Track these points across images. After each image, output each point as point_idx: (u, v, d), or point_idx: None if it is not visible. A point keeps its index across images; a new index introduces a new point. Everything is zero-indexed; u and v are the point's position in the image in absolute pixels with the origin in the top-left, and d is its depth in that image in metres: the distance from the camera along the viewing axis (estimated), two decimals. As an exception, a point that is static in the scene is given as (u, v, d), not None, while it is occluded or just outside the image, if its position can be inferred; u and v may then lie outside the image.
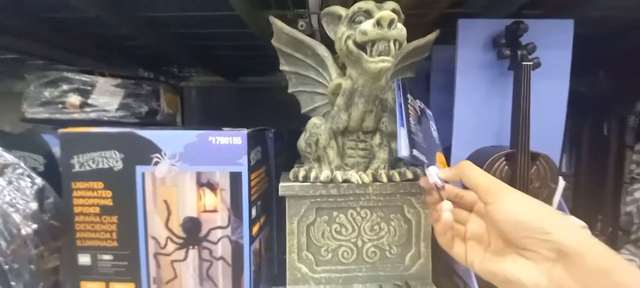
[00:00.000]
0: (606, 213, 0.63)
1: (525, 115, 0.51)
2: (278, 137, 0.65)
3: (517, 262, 0.30)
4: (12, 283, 0.42)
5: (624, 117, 0.70)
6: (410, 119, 0.42)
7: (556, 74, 0.56)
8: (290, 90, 0.55)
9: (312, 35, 0.66)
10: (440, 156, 0.46)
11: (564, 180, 0.56)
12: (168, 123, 0.76)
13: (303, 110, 0.55)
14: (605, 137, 0.66)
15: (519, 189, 0.50)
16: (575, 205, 0.73)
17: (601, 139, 0.66)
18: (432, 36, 0.53)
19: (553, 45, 0.56)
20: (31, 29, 0.60)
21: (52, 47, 0.73)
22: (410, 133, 0.41)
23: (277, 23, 0.50)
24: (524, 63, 0.51)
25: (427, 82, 0.70)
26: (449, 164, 0.60)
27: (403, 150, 0.40)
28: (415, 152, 0.40)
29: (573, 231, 0.28)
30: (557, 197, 0.55)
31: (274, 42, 0.52)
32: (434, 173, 0.40)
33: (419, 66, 0.57)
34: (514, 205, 0.31)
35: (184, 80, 1.30)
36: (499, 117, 0.57)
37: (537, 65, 0.52)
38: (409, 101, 0.44)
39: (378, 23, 0.40)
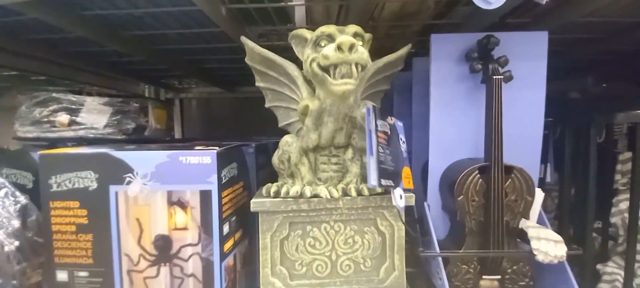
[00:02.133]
0: (590, 225, 0.62)
1: (497, 129, 0.51)
2: (260, 151, 0.66)
3: None
4: (-8, 299, 0.44)
5: (612, 123, 0.68)
6: (379, 147, 0.43)
7: (532, 84, 0.56)
8: (267, 105, 0.57)
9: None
10: (405, 171, 0.47)
11: (544, 191, 0.56)
12: (157, 138, 0.78)
13: (280, 125, 0.56)
14: (592, 145, 0.65)
15: (493, 202, 0.51)
16: (561, 215, 0.71)
17: (588, 147, 0.65)
18: (403, 51, 0.54)
19: (528, 56, 0.55)
20: (29, 49, 0.64)
21: (52, 64, 0.76)
22: (379, 163, 0.42)
23: (249, 44, 0.52)
24: (494, 77, 0.51)
25: (410, 93, 0.70)
26: (427, 176, 0.60)
27: (372, 180, 0.42)
28: (383, 181, 0.42)
29: None
30: (537, 209, 0.55)
31: (247, 60, 0.54)
32: (397, 196, 0.41)
33: (403, 77, 0.57)
34: None
35: (183, 92, 1.33)
36: (475, 129, 0.57)
37: (509, 78, 0.52)
38: (378, 127, 0.45)
39: (339, 48, 0.41)
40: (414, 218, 0.63)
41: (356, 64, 0.42)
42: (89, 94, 0.66)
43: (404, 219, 0.46)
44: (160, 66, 0.88)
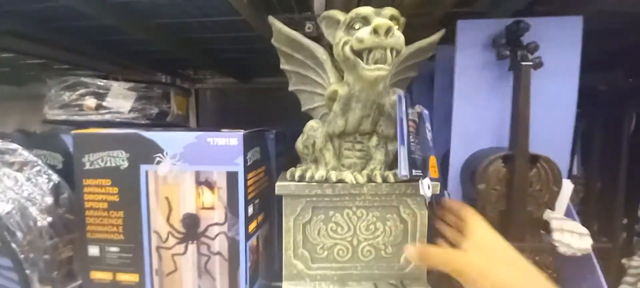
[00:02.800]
0: (617, 218, 0.61)
1: (523, 117, 0.50)
2: (280, 138, 0.67)
3: None
4: (27, 271, 0.46)
5: (641, 115, 0.67)
6: (410, 136, 0.43)
7: (564, 72, 0.54)
8: (290, 89, 0.56)
9: (319, 36, 0.67)
10: (432, 160, 0.46)
11: (574, 183, 0.55)
12: (178, 124, 0.79)
13: (303, 109, 0.56)
14: (622, 137, 0.64)
15: (516, 192, 0.51)
16: (587, 209, 0.70)
17: (617, 139, 0.63)
18: (435, 36, 0.52)
19: (560, 43, 0.54)
20: (53, 37, 0.65)
21: (73, 52, 0.78)
22: (410, 153, 0.42)
23: (276, 24, 0.52)
24: (523, 63, 0.50)
25: (431, 82, 0.69)
26: (448, 168, 0.60)
27: (403, 170, 0.41)
28: (414, 172, 0.42)
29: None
30: (565, 200, 0.54)
31: (274, 42, 0.53)
32: (426, 187, 0.41)
33: (423, 65, 0.57)
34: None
35: (199, 83, 1.35)
36: (500, 119, 0.56)
37: (539, 64, 0.51)
38: (409, 115, 0.44)
39: (375, 31, 0.40)
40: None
41: (391, 49, 0.41)
42: (115, 79, 0.67)
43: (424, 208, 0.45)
44: (179, 56, 0.89)
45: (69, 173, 0.53)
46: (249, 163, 0.49)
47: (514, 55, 0.52)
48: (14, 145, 0.52)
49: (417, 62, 0.55)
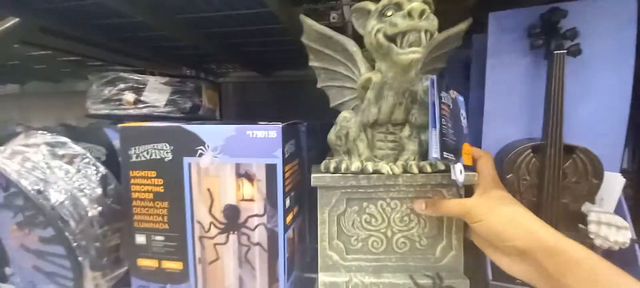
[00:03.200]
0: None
1: (557, 105, 0.49)
2: (310, 131, 0.68)
3: (502, 257, 0.42)
4: (80, 258, 0.49)
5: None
6: (442, 119, 0.43)
7: (616, 59, 0.51)
8: (319, 85, 0.57)
9: (344, 27, 0.67)
10: (466, 147, 0.46)
11: (625, 177, 0.53)
12: (209, 117, 0.81)
13: (332, 105, 0.57)
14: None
15: (548, 183, 0.50)
16: (636, 204, 0.67)
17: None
18: (463, 25, 0.52)
19: (610, 27, 0.51)
20: (87, 34, 0.68)
21: (106, 49, 0.81)
22: (441, 135, 0.42)
23: (307, 21, 0.52)
24: (555, 52, 0.49)
25: (466, 71, 0.68)
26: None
27: (433, 152, 0.42)
28: (445, 154, 0.41)
29: (527, 236, 0.39)
30: (615, 195, 0.52)
31: (303, 39, 0.54)
32: (458, 171, 0.41)
33: (457, 54, 0.56)
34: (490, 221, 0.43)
35: (222, 77, 1.37)
36: (534, 110, 0.55)
37: (577, 52, 0.49)
38: (442, 99, 0.44)
39: (409, 14, 0.40)
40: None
41: (426, 31, 0.41)
42: (152, 74, 0.69)
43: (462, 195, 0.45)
44: (204, 50, 0.90)
45: (113, 165, 0.55)
46: (286, 156, 0.50)
47: (548, 43, 0.50)
48: (64, 138, 0.55)
49: (446, 52, 0.55)
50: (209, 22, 0.69)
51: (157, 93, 0.69)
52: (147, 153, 0.50)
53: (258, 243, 0.50)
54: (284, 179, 0.49)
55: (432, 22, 0.41)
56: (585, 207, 0.51)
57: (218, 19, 0.68)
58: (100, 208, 0.52)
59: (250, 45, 0.91)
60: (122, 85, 0.68)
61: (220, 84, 1.37)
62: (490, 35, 0.55)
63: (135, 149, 0.50)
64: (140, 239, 0.52)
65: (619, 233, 0.46)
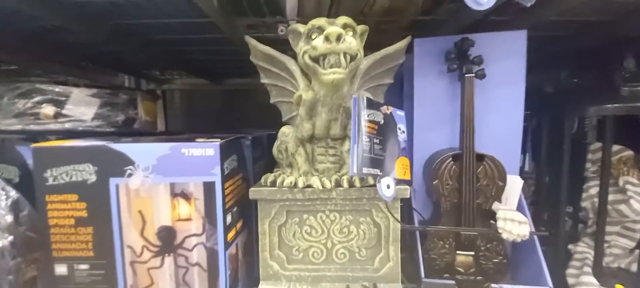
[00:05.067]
0: (562, 209, 0.68)
1: (469, 120, 0.56)
2: (256, 144, 0.67)
3: None
4: (-11, 295, 0.43)
5: (583, 116, 0.74)
6: (364, 136, 0.45)
7: (511, 81, 0.61)
8: (272, 101, 0.58)
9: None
10: (402, 161, 0.49)
11: (523, 179, 0.60)
12: (146, 131, 0.76)
13: (284, 119, 0.58)
14: (566, 136, 0.71)
15: (465, 186, 0.56)
16: (537, 201, 0.77)
17: (562, 138, 0.70)
18: (403, 43, 0.55)
19: (507, 55, 0.60)
20: (3, 39, 0.60)
21: (26, 56, 0.72)
22: (363, 151, 0.44)
23: (252, 41, 0.53)
24: (467, 74, 0.56)
25: (402, 85, 0.73)
26: (411, 166, 0.63)
27: (354, 168, 0.43)
28: (365, 169, 0.44)
29: None
30: (516, 194, 0.59)
31: (252, 58, 0.55)
32: (384, 186, 0.43)
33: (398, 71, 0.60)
34: None
35: (166, 83, 1.29)
36: (455, 122, 0.61)
37: (482, 75, 0.57)
38: (367, 116, 0.46)
39: (326, 38, 0.43)
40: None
41: (345, 54, 0.44)
42: (76, 85, 0.63)
43: (393, 210, 0.48)
44: (143, 57, 0.85)
45: (27, 187, 0.50)
46: (226, 173, 0.49)
47: (461, 67, 0.58)
48: (-35, 160, 0.48)
49: (391, 68, 0.58)
50: (146, 28, 0.65)
51: (83, 106, 0.64)
52: (67, 175, 0.45)
53: (197, 264, 0.48)
54: (224, 196, 0.48)
55: (350, 44, 0.44)
56: (495, 205, 0.57)
57: (157, 26, 0.64)
58: (11, 237, 0.47)
59: (195, 53, 0.88)
60: (38, 98, 0.61)
61: (164, 91, 1.29)
62: (416, 58, 0.62)
63: (51, 171, 0.45)
64: (61, 269, 0.47)
65: (521, 227, 0.52)
